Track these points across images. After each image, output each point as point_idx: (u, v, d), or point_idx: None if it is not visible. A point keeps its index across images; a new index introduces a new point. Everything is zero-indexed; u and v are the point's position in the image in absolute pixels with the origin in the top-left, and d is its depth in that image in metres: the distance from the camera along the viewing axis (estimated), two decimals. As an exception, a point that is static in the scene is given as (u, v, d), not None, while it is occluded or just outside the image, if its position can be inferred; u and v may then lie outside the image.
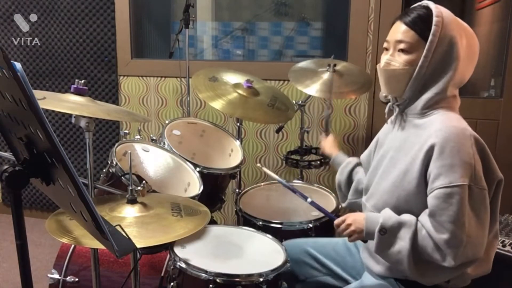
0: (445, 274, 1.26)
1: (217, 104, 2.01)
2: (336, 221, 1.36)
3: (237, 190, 2.23)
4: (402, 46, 1.27)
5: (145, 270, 1.73)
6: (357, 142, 2.75)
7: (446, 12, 1.26)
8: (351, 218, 1.33)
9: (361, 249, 1.53)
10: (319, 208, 1.46)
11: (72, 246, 1.81)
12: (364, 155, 1.59)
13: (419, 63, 1.25)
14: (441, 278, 1.27)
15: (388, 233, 1.25)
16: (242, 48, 3.49)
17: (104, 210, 1.33)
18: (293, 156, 2.43)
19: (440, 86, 1.26)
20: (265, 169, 1.64)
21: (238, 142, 2.26)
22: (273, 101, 2.18)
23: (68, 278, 1.77)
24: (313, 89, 2.15)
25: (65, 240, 1.16)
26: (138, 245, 1.14)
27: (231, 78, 2.25)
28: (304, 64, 2.34)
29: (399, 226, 1.24)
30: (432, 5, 1.27)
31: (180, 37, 2.65)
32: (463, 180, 1.16)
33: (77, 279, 1.77)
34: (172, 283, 1.47)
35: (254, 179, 2.96)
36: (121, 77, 3.07)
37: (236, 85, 2.17)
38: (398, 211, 1.28)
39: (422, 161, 1.22)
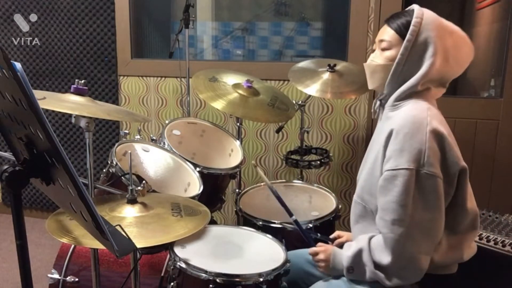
0: (416, 271, 1.28)
1: (218, 104, 2.01)
2: (310, 250, 1.49)
3: (237, 190, 2.23)
4: (383, 44, 1.38)
5: (145, 270, 1.73)
6: (357, 142, 2.75)
7: (428, 14, 1.33)
8: (324, 254, 1.44)
9: None
10: (301, 229, 1.57)
11: (72, 246, 1.81)
12: None
13: (397, 60, 1.34)
14: (415, 275, 1.29)
15: (355, 268, 1.35)
16: (242, 48, 3.49)
17: (104, 210, 1.33)
18: (293, 156, 2.43)
19: (412, 81, 1.33)
20: (259, 170, 1.72)
21: (238, 142, 2.26)
22: (273, 101, 2.18)
23: (68, 278, 1.77)
24: (313, 89, 2.15)
25: (65, 240, 1.16)
26: (138, 245, 1.14)
27: (231, 78, 2.25)
28: (304, 64, 2.34)
29: (359, 254, 1.34)
30: (416, 8, 1.35)
31: (180, 37, 2.65)
32: (409, 164, 1.24)
33: (77, 279, 1.77)
34: (172, 283, 1.47)
35: (254, 179, 2.96)
36: (121, 77, 3.06)
37: (236, 85, 2.17)
38: (374, 198, 1.35)
39: (383, 148, 1.31)
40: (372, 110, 1.50)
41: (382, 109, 1.44)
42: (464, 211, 1.34)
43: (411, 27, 1.31)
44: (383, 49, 1.38)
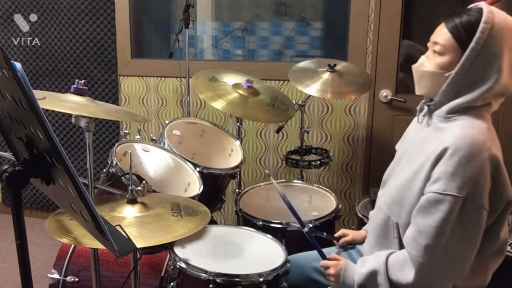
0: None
1: (218, 104, 2.01)
2: (322, 263, 1.44)
3: (237, 190, 2.23)
4: (436, 48, 1.23)
5: (145, 270, 1.73)
6: (357, 142, 2.74)
7: (500, 18, 1.15)
8: (334, 268, 1.38)
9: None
10: (313, 242, 1.50)
11: (72, 246, 1.81)
12: (398, 145, 1.54)
13: (456, 70, 1.19)
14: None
15: (368, 287, 1.29)
16: (242, 48, 3.49)
17: (104, 210, 1.33)
18: (293, 156, 2.43)
19: (473, 95, 1.19)
20: (273, 179, 1.67)
21: (238, 142, 2.26)
22: (273, 101, 2.19)
23: (68, 278, 1.77)
24: (313, 89, 2.15)
25: (65, 240, 1.16)
26: (138, 245, 1.14)
27: (231, 78, 2.25)
28: (304, 64, 2.34)
29: (374, 274, 1.27)
30: (485, 9, 1.16)
31: (180, 37, 2.65)
32: (459, 191, 1.13)
33: (77, 279, 1.77)
34: (172, 283, 1.47)
35: (254, 179, 2.96)
36: (121, 77, 3.07)
37: (236, 85, 2.17)
38: (404, 211, 1.27)
39: (431, 164, 1.19)
40: (418, 116, 1.36)
41: (429, 116, 1.30)
42: (495, 238, 1.25)
43: (477, 34, 1.14)
44: (435, 53, 1.23)
